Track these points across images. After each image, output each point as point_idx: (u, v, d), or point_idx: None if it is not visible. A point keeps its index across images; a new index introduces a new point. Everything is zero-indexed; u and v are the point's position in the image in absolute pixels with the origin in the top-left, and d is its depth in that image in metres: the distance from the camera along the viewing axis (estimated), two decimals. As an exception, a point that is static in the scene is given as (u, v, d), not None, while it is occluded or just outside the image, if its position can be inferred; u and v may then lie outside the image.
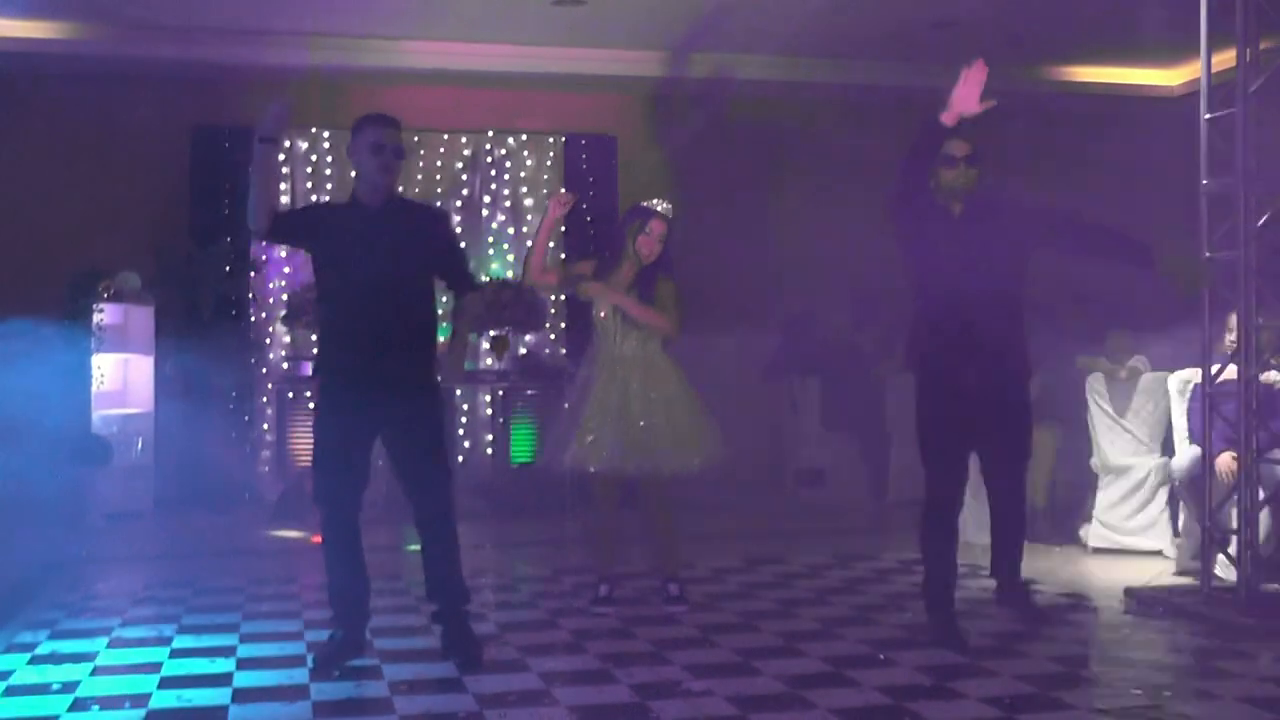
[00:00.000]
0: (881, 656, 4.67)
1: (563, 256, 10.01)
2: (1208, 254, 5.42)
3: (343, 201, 4.90)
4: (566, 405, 5.73)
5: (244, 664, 4.68)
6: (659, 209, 5.57)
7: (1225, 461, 5.56)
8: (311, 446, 4.71)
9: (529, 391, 9.53)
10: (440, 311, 4.86)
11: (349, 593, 4.66)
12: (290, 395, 9.29)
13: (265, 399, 9.49)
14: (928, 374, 4.95)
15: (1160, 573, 6.07)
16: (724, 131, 10.31)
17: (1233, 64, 5.36)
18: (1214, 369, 5.48)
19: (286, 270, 9.59)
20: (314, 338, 4.87)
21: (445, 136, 9.96)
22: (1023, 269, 4.92)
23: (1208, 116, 5.51)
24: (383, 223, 4.55)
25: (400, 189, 4.69)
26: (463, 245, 4.87)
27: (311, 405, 4.83)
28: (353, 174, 4.84)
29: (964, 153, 4.80)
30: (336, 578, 4.65)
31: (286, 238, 5.21)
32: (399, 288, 4.55)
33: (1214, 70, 5.56)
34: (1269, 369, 5.42)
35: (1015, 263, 4.89)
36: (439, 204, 9.80)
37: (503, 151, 10.08)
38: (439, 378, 4.75)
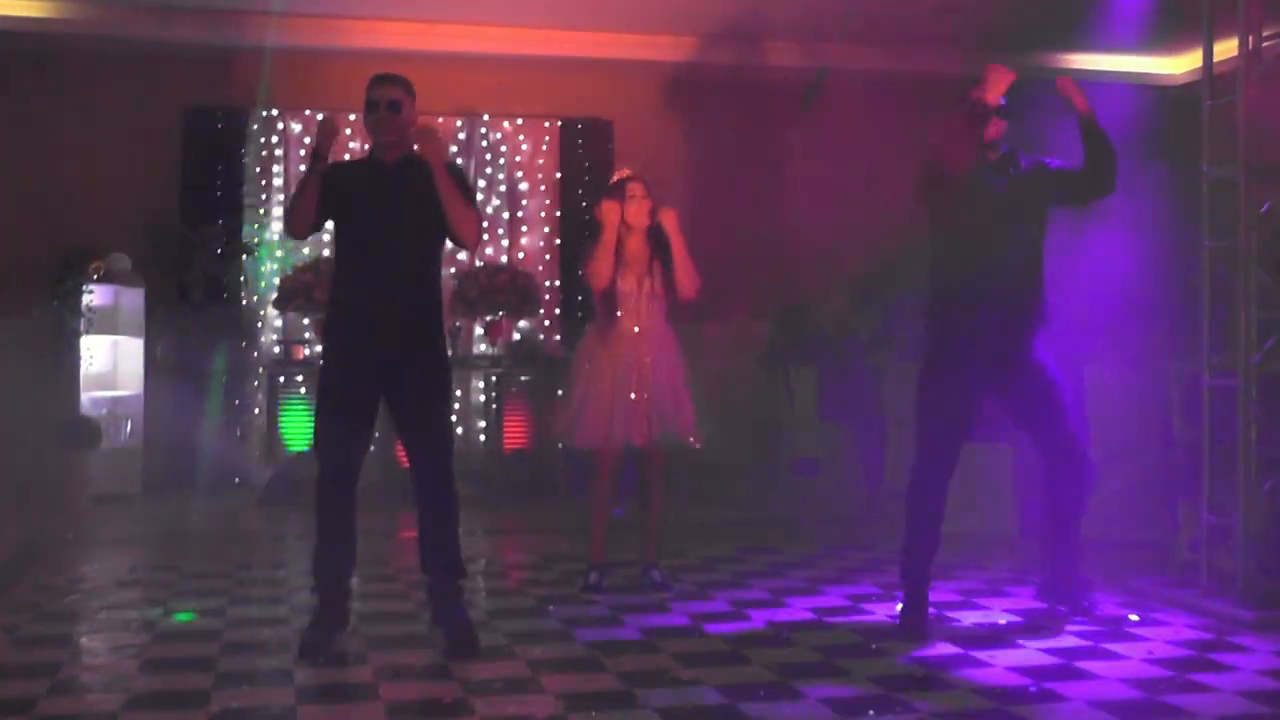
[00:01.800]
0: (873, 646, 4.63)
1: (558, 242, 9.99)
2: (1207, 243, 5.41)
3: (362, 158, 4.98)
4: (575, 380, 5.65)
5: (229, 649, 4.62)
6: (623, 175, 5.64)
7: None
8: (315, 408, 4.64)
9: (523, 377, 9.46)
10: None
11: (334, 560, 4.61)
12: (281, 379, 9.23)
13: (256, 383, 9.41)
14: (950, 331, 4.92)
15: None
16: (719, 116, 10.24)
17: (1235, 52, 5.33)
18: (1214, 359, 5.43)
19: (279, 254, 9.51)
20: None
21: (439, 119, 9.87)
22: (1044, 218, 5.08)
23: (1209, 104, 5.47)
24: (394, 178, 4.57)
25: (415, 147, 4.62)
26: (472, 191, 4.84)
27: (321, 361, 4.76)
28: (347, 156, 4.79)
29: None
30: (325, 543, 4.59)
31: (320, 228, 4.87)
32: (408, 245, 4.55)
33: (1216, 58, 5.53)
34: (1269, 359, 5.37)
35: (1040, 211, 5.07)
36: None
37: (498, 135, 10.01)
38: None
